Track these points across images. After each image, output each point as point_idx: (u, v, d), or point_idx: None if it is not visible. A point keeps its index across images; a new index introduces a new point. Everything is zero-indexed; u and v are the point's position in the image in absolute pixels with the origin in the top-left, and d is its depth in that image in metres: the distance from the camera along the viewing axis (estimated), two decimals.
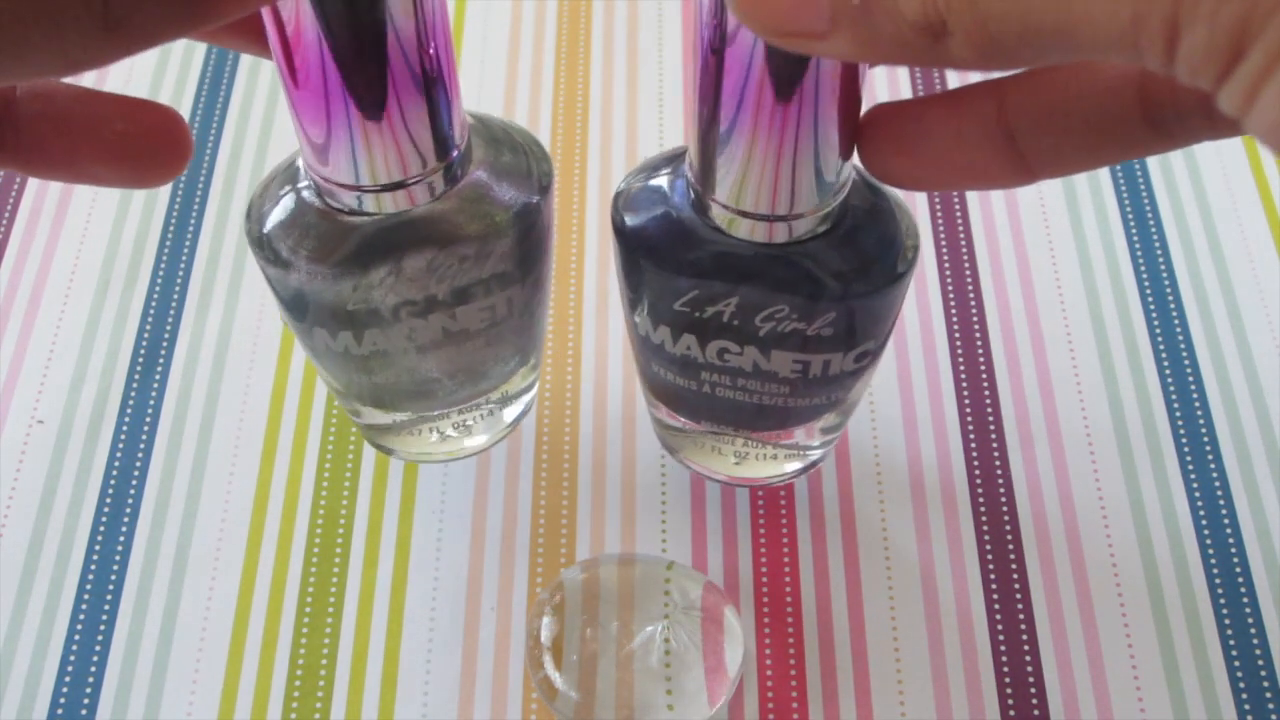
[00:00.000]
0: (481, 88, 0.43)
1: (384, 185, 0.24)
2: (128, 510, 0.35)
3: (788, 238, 0.25)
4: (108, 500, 0.35)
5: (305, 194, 0.25)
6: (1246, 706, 0.32)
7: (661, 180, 0.27)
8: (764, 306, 0.26)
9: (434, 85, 0.23)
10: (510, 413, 0.34)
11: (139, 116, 0.21)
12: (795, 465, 0.33)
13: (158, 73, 0.44)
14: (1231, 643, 0.32)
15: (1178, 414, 0.36)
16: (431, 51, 0.22)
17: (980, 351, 0.38)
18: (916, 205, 0.40)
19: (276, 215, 0.26)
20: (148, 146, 0.20)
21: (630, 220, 0.26)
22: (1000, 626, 0.33)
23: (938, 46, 0.15)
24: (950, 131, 0.20)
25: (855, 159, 0.24)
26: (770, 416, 0.30)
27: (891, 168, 0.22)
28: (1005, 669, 0.32)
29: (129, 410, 0.37)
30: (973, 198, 0.41)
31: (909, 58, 0.16)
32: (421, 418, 0.32)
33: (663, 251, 0.26)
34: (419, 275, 0.26)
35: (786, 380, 0.28)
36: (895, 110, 0.21)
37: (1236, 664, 0.32)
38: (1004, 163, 0.20)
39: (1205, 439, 0.36)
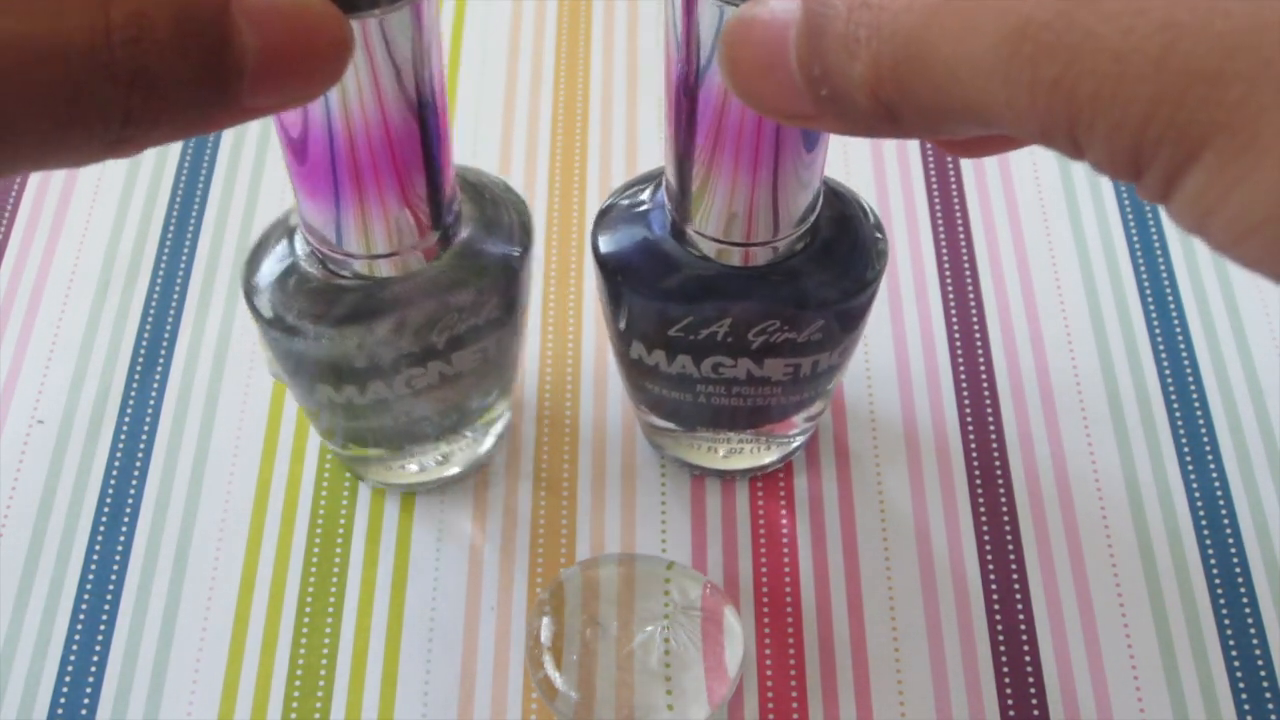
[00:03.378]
0: (481, 88, 0.43)
1: (384, 254, 0.25)
2: (128, 510, 0.35)
3: (771, 259, 0.26)
4: (108, 500, 0.35)
5: (303, 262, 0.26)
6: (1246, 707, 0.32)
7: (638, 209, 0.27)
8: (756, 323, 0.27)
9: (433, 159, 0.23)
10: (487, 442, 0.35)
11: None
12: (778, 454, 0.34)
13: None
14: (1231, 643, 0.32)
15: (1177, 414, 0.36)
16: (431, 126, 0.23)
17: (980, 351, 0.38)
18: (916, 205, 0.40)
19: (275, 282, 0.26)
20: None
21: (608, 249, 0.27)
22: (1000, 627, 0.33)
23: (898, 128, 0.17)
24: None
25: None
26: (762, 415, 0.31)
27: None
28: (1005, 669, 0.32)
29: (129, 410, 0.37)
30: (973, 198, 0.41)
31: (886, 134, 0.17)
32: (406, 451, 0.33)
33: (646, 279, 0.27)
34: (420, 330, 0.27)
35: (779, 382, 0.29)
36: None
37: (1236, 664, 0.32)
38: None
39: (1205, 439, 0.36)
